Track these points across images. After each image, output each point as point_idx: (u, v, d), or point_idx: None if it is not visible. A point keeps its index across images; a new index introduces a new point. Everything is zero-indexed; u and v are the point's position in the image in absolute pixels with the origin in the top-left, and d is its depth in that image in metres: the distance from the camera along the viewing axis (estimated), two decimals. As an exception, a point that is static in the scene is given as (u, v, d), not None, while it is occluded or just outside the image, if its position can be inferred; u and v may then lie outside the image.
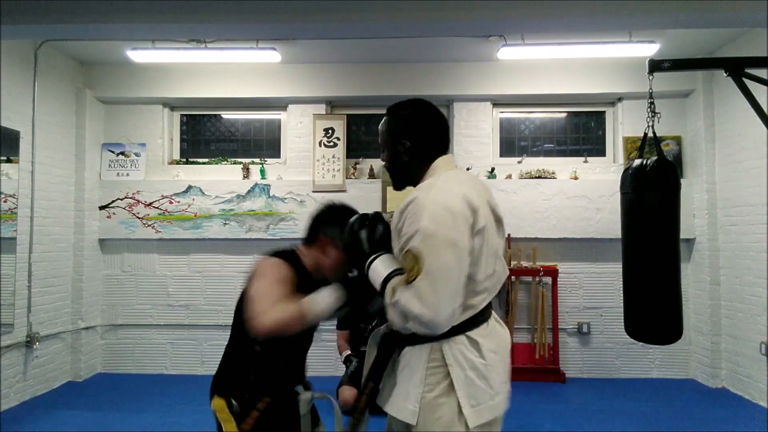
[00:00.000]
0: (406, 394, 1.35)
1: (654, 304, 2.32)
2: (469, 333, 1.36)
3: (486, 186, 1.50)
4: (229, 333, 1.81)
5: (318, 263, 1.76)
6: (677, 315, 2.34)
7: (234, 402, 1.72)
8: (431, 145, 1.47)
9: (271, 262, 1.69)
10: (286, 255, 1.74)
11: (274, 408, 1.71)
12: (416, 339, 1.36)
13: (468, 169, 4.84)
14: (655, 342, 2.45)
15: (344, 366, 3.85)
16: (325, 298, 1.50)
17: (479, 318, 1.39)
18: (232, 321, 1.77)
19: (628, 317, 2.44)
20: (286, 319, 1.48)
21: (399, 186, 1.55)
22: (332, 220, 1.73)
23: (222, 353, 1.85)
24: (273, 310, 1.49)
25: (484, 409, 1.33)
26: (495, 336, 1.42)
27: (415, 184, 1.49)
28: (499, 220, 1.46)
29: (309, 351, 1.90)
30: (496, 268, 1.42)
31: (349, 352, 3.98)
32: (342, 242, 1.52)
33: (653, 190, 2.32)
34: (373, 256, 1.40)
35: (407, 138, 1.45)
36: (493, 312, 1.49)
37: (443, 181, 1.37)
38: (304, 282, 1.68)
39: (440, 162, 1.45)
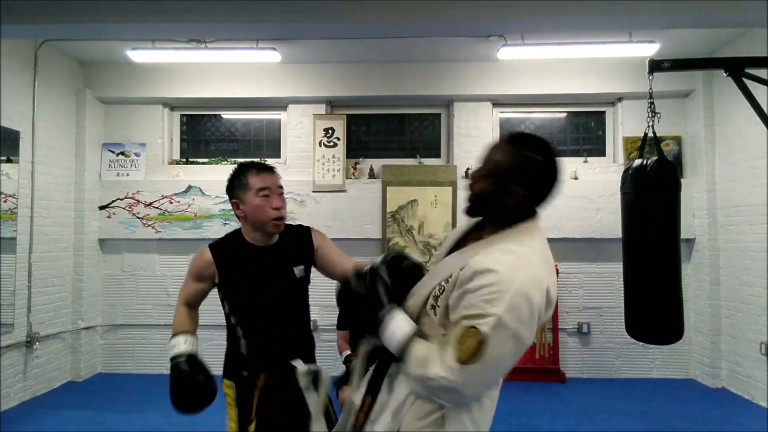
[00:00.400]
0: (395, 413, 1.28)
1: (655, 304, 2.32)
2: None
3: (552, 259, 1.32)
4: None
5: (246, 226, 1.81)
6: (678, 315, 2.34)
7: (234, 383, 1.78)
8: (541, 203, 1.31)
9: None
10: (220, 240, 1.88)
11: (273, 384, 1.75)
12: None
13: (468, 169, 4.85)
14: (656, 342, 2.45)
15: (344, 366, 3.84)
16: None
17: None
18: None
19: (628, 317, 2.44)
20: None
21: (475, 214, 1.37)
22: (229, 183, 1.81)
23: (221, 352, 1.92)
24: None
25: None
26: (485, 411, 1.35)
27: (494, 224, 1.31)
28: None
29: (298, 327, 1.86)
30: None
31: (349, 352, 3.97)
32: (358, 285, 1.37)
33: (653, 190, 2.32)
34: (392, 310, 1.29)
35: (524, 185, 1.25)
36: None
37: (531, 257, 1.21)
38: (243, 252, 1.79)
39: (532, 225, 1.29)
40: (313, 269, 1.92)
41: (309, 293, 1.93)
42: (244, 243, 1.81)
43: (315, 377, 1.78)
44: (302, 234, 1.91)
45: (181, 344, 1.75)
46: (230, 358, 1.84)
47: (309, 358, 1.87)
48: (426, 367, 1.18)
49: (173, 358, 1.73)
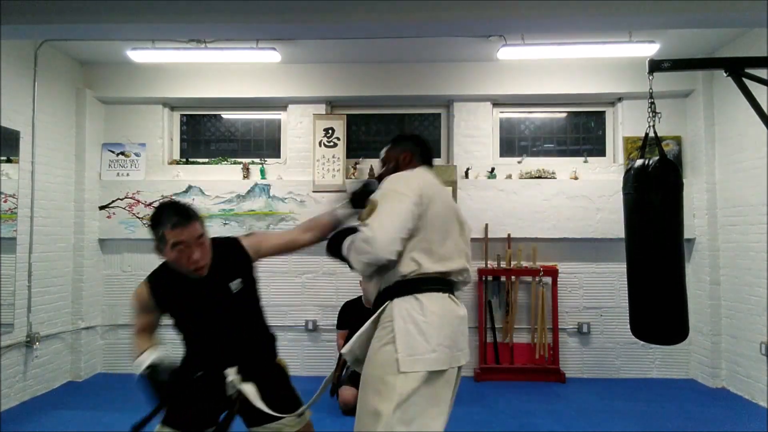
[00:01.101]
0: (359, 341, 1.73)
1: (659, 304, 2.32)
2: (417, 294, 1.64)
3: (445, 190, 1.89)
4: None
5: (175, 264, 1.83)
6: (683, 315, 2.33)
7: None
8: (412, 158, 1.97)
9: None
10: (156, 272, 1.95)
11: (201, 383, 1.90)
12: (378, 301, 1.73)
13: (468, 169, 4.85)
14: (661, 342, 2.44)
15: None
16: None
17: (431, 285, 1.68)
18: None
19: (633, 318, 2.43)
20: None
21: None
22: (150, 229, 1.81)
23: None
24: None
25: (418, 360, 1.56)
26: (442, 303, 1.68)
27: None
28: (460, 221, 1.84)
29: (246, 334, 1.95)
30: (452, 248, 1.75)
31: None
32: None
33: (655, 190, 2.31)
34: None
35: (398, 153, 1.99)
36: (455, 296, 1.76)
37: (403, 175, 1.84)
38: (178, 283, 1.86)
39: (412, 169, 1.90)
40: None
41: (259, 295, 2.02)
42: (178, 274, 1.86)
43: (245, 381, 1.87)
44: (233, 248, 1.96)
45: (146, 360, 1.91)
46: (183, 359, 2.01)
47: (262, 356, 1.98)
48: (351, 241, 1.73)
49: (141, 373, 1.92)
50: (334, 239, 1.91)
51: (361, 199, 1.99)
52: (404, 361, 1.55)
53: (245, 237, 2.02)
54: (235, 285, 1.89)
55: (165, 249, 1.77)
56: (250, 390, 1.83)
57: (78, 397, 4.24)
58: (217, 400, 1.89)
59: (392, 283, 1.69)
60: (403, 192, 1.68)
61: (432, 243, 1.69)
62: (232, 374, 1.84)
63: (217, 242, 1.94)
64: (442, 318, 1.64)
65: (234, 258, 1.93)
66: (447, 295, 1.72)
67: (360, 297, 4.07)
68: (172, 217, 1.76)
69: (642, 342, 2.52)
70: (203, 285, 1.86)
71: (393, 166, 1.97)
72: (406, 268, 1.66)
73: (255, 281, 1.99)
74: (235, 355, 1.89)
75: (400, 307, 1.63)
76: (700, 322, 4.56)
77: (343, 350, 1.81)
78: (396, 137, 2.09)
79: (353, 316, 4.02)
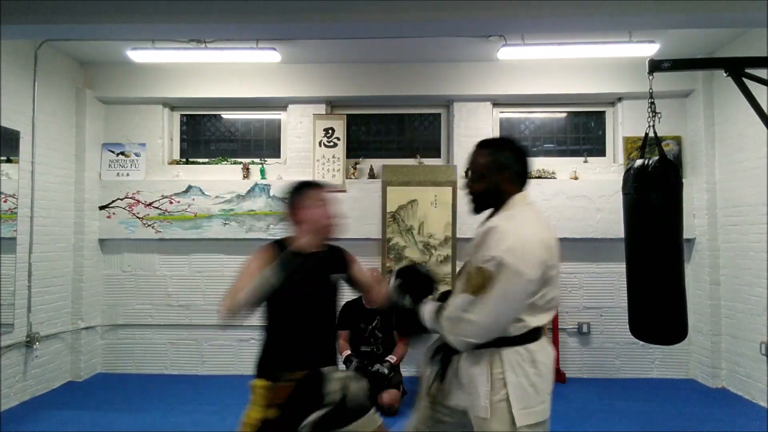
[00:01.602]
0: (476, 393, 1.59)
1: (659, 305, 2.32)
2: (527, 345, 1.58)
3: (550, 226, 1.73)
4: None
5: (299, 235, 2.00)
6: (682, 315, 2.34)
7: (268, 381, 1.91)
8: (523, 179, 1.70)
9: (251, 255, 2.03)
10: (275, 242, 2.06)
11: (301, 384, 1.90)
12: (477, 346, 1.57)
13: (467, 170, 4.83)
14: (660, 342, 2.45)
15: (344, 366, 3.86)
16: (257, 277, 1.82)
17: (536, 334, 1.61)
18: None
19: (632, 318, 2.44)
20: (227, 300, 1.84)
21: (480, 210, 1.74)
22: (291, 195, 2.05)
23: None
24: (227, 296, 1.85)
25: (531, 412, 1.56)
26: (547, 352, 1.64)
27: (495, 209, 1.70)
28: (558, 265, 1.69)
29: (328, 332, 2.09)
30: (554, 295, 1.64)
31: (348, 352, 4.01)
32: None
33: (655, 190, 2.32)
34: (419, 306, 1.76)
35: (504, 170, 1.66)
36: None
37: (524, 216, 1.61)
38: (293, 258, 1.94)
39: (521, 197, 1.67)
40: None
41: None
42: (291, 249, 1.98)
43: (344, 385, 1.93)
44: (341, 251, 2.19)
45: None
46: (265, 358, 1.98)
47: (333, 362, 2.07)
48: (450, 313, 1.56)
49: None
50: (407, 317, 1.81)
51: (405, 320, 1.86)
52: (519, 416, 1.54)
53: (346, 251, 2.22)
54: (334, 278, 2.08)
55: (307, 208, 1.99)
56: (360, 387, 1.93)
57: (78, 397, 4.24)
58: (313, 402, 1.90)
59: (499, 339, 1.58)
60: (524, 272, 1.47)
61: (541, 299, 1.58)
62: (339, 374, 1.94)
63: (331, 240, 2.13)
64: (548, 367, 1.63)
65: (340, 257, 2.15)
66: (545, 337, 1.66)
67: (360, 297, 4.09)
68: (311, 183, 2.10)
69: (642, 342, 2.53)
70: (314, 263, 1.98)
71: (490, 188, 1.67)
72: (512, 329, 1.56)
73: (340, 290, 2.15)
74: (323, 350, 2.02)
75: (510, 360, 1.56)
76: (700, 322, 4.56)
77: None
78: (489, 141, 1.78)
79: (354, 316, 4.04)
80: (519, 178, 1.67)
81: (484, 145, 1.74)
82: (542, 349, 1.61)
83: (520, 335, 1.56)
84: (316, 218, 2.00)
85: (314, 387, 1.90)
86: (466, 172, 1.75)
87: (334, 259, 2.11)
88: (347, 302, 4.29)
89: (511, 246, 1.48)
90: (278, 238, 2.10)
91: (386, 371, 3.84)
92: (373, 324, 4.06)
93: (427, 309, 1.70)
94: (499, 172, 1.65)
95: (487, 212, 1.72)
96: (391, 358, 3.93)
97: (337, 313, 2.15)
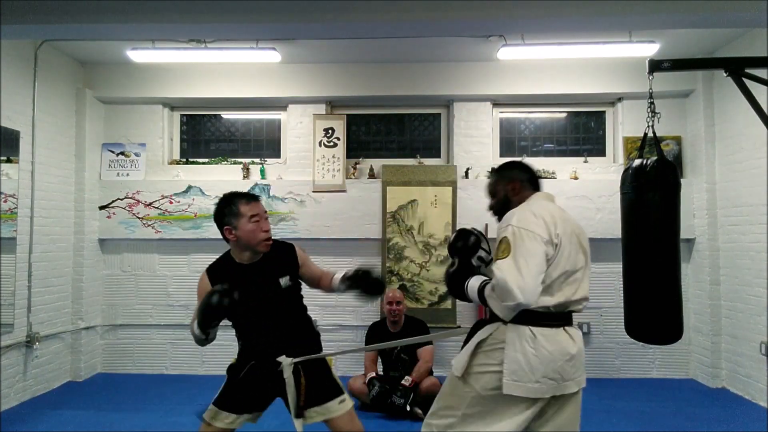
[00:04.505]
0: (464, 353, 1.82)
1: (654, 304, 2.32)
2: (533, 327, 1.73)
3: (570, 218, 1.92)
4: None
5: (236, 248, 2.11)
6: (678, 315, 2.34)
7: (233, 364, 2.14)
8: (525, 186, 2.00)
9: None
10: (214, 263, 2.18)
11: (257, 369, 2.07)
12: (491, 319, 1.82)
13: (468, 169, 4.85)
14: (656, 342, 2.44)
15: (367, 389, 3.76)
16: (196, 309, 1.93)
17: (547, 320, 1.75)
18: None
19: (628, 317, 2.43)
20: (191, 328, 1.98)
21: (499, 214, 2.01)
22: (219, 211, 2.10)
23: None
24: None
25: (521, 386, 1.69)
26: (556, 339, 1.74)
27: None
28: (584, 250, 1.87)
29: (290, 328, 2.15)
30: (577, 287, 1.79)
31: (373, 374, 3.90)
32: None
33: (653, 190, 2.31)
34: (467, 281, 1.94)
35: (507, 183, 2.00)
36: (570, 327, 1.81)
37: (532, 203, 1.90)
38: (233, 271, 2.09)
39: (526, 197, 1.96)
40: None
41: (302, 296, 2.25)
42: (234, 263, 2.13)
43: (296, 370, 2.06)
44: (287, 250, 2.21)
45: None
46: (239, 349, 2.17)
47: (307, 350, 2.14)
48: (489, 288, 1.79)
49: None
50: (454, 281, 1.98)
51: (366, 283, 2.11)
52: (507, 383, 1.70)
53: (298, 247, 2.27)
54: (284, 281, 2.11)
55: (240, 223, 2.02)
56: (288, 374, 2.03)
57: (78, 397, 4.24)
58: (269, 387, 2.07)
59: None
60: (535, 231, 1.72)
61: (554, 280, 1.75)
62: (285, 360, 2.03)
63: (275, 240, 2.17)
64: (552, 354, 1.72)
65: (286, 257, 2.18)
66: (563, 329, 1.78)
67: (384, 319, 4.05)
68: (243, 196, 2.10)
69: (639, 341, 2.53)
70: (257, 273, 2.08)
71: (502, 198, 1.99)
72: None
73: (299, 285, 2.23)
74: (283, 344, 2.08)
75: (513, 336, 1.73)
76: (700, 322, 4.56)
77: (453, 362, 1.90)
78: (498, 168, 2.10)
79: (380, 340, 3.92)
80: (529, 183, 1.98)
81: (491, 173, 2.12)
82: (551, 336, 1.73)
83: (531, 312, 1.72)
84: (252, 235, 2.03)
85: (267, 375, 2.04)
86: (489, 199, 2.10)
87: (280, 262, 2.14)
88: (373, 323, 4.25)
89: (519, 217, 1.78)
90: (213, 262, 2.19)
91: (402, 401, 3.62)
92: (398, 348, 3.92)
93: (472, 284, 1.89)
94: (507, 184, 1.98)
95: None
96: (407, 381, 3.70)
97: (299, 299, 2.21)
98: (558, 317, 1.78)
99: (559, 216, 1.83)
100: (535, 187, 1.99)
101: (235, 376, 2.08)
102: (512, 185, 1.97)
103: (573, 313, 1.84)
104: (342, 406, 2.07)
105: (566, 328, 1.79)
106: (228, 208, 2.06)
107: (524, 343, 1.71)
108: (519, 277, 1.63)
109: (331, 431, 2.07)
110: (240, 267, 2.10)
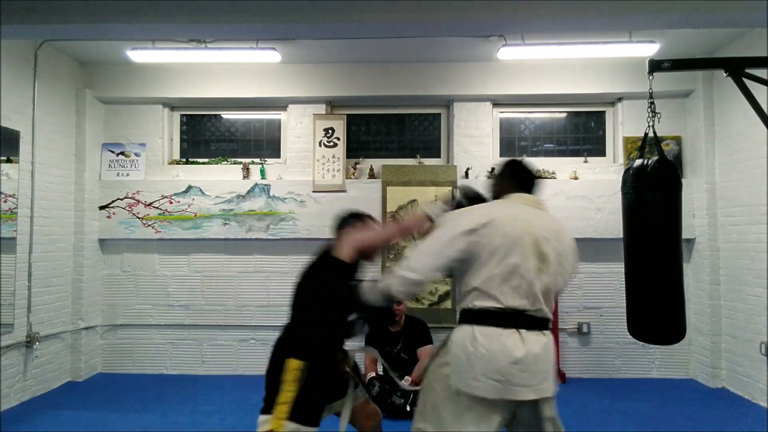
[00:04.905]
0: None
1: (657, 305, 2.32)
2: (475, 326, 1.75)
3: (539, 222, 1.86)
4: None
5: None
6: (680, 315, 2.34)
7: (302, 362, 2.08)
8: (506, 186, 2.00)
9: None
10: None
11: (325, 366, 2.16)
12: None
13: (468, 169, 4.84)
14: (658, 342, 2.45)
15: (368, 389, 3.73)
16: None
17: (491, 320, 1.74)
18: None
19: (630, 318, 2.43)
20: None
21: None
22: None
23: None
24: None
25: (463, 381, 1.73)
26: (498, 341, 1.71)
27: None
28: (540, 254, 1.78)
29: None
30: (527, 289, 1.74)
31: (373, 374, 3.90)
32: None
33: (654, 190, 2.32)
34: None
35: (502, 178, 2.04)
36: (530, 331, 1.74)
37: (495, 202, 1.98)
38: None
39: (512, 195, 1.95)
40: None
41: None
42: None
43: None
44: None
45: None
46: (303, 341, 2.16)
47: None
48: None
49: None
50: (351, 293, 2.01)
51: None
52: (452, 376, 1.78)
53: None
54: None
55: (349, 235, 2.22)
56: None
57: (78, 397, 4.24)
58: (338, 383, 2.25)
59: (460, 311, 1.85)
60: (455, 222, 1.83)
61: (485, 280, 1.75)
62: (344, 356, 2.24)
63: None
64: (491, 353, 1.71)
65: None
66: (512, 331, 1.72)
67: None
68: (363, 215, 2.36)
69: (641, 342, 2.53)
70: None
71: (492, 197, 2.06)
72: (465, 301, 1.82)
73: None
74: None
75: (458, 336, 1.80)
76: (700, 322, 4.56)
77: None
78: (498, 167, 2.14)
79: (380, 339, 3.90)
80: (514, 182, 1.97)
81: (491, 172, 2.22)
82: (492, 337, 1.72)
83: (475, 312, 1.77)
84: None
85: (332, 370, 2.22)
86: None
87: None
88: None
89: (454, 212, 1.93)
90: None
91: (402, 401, 3.65)
92: (398, 347, 3.91)
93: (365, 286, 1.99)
94: (495, 183, 2.04)
95: None
96: (407, 380, 3.70)
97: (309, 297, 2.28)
98: (510, 318, 1.72)
99: (509, 215, 1.81)
100: (522, 188, 1.95)
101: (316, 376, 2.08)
102: (498, 187, 2.02)
103: (537, 317, 1.76)
104: (361, 396, 2.34)
105: (522, 330, 1.72)
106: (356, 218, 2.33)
107: (465, 341, 1.75)
108: (412, 255, 1.82)
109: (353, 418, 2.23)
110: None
